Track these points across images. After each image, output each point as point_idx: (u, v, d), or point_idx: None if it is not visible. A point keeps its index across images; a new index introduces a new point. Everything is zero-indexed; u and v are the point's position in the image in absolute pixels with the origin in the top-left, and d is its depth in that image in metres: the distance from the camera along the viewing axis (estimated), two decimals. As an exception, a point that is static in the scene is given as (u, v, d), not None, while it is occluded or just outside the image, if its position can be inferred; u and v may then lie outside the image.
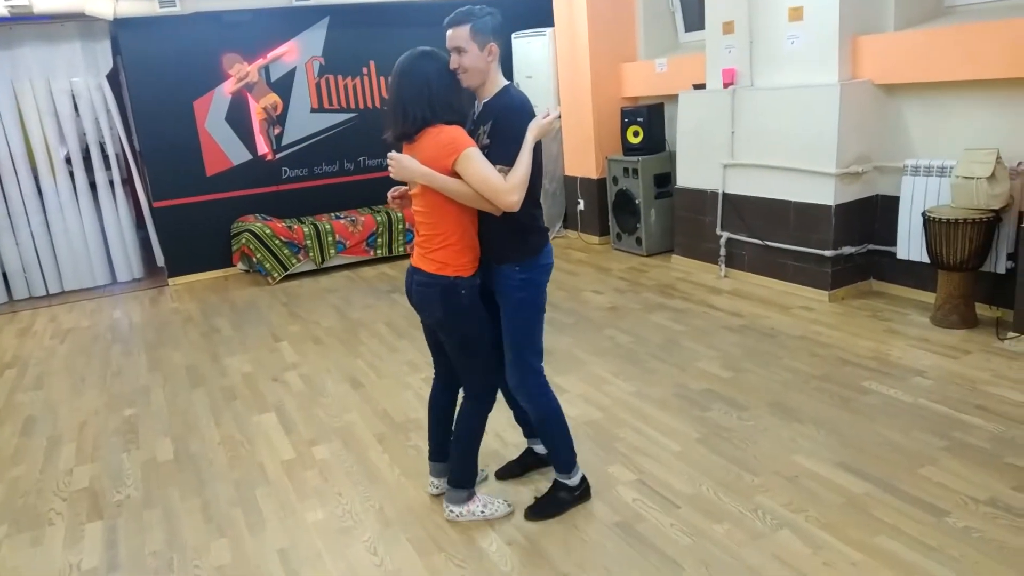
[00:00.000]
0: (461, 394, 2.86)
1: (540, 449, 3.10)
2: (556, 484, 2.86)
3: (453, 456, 2.83)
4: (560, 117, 2.64)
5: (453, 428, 2.85)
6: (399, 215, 7.03)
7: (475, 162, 2.43)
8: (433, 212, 2.55)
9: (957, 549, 2.43)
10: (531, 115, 2.53)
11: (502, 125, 2.51)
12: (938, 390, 3.54)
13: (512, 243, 2.61)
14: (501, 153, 2.48)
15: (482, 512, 2.83)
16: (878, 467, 2.93)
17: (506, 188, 2.43)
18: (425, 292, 2.62)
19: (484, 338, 2.68)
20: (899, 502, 2.70)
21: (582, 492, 2.87)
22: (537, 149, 2.57)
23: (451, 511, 2.83)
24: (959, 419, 3.25)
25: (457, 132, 2.48)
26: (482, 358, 2.71)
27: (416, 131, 2.49)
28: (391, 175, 2.55)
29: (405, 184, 2.69)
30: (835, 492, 2.80)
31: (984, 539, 2.47)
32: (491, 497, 2.88)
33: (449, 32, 2.51)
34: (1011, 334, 4.00)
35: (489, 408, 2.80)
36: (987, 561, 2.36)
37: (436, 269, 2.58)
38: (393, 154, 2.53)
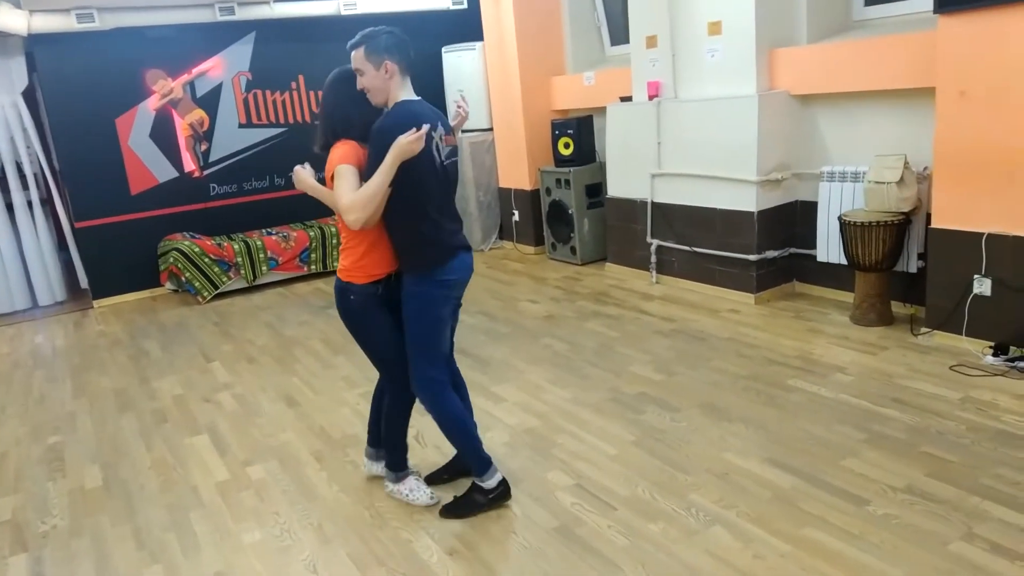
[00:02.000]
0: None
1: None
2: (472, 486, 2.95)
3: (384, 441, 3.05)
4: (435, 132, 2.72)
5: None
6: (333, 230, 6.97)
7: (338, 178, 2.57)
8: (340, 219, 2.70)
9: (878, 535, 2.55)
10: (393, 135, 2.51)
11: (369, 146, 2.61)
12: (858, 385, 3.70)
13: (407, 256, 2.75)
14: (368, 173, 2.56)
15: (407, 495, 3.02)
16: (803, 461, 3.06)
17: (343, 206, 2.54)
18: (335, 293, 2.87)
19: (380, 340, 2.86)
20: (823, 493, 2.82)
21: (498, 495, 2.92)
22: (423, 165, 2.60)
23: (386, 485, 3.09)
24: (877, 412, 3.41)
25: (343, 148, 2.64)
26: (383, 356, 2.90)
27: (323, 148, 2.72)
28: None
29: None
30: (763, 487, 2.90)
31: (902, 524, 2.60)
32: (420, 485, 3.04)
33: (351, 55, 2.66)
34: (924, 329, 4.22)
35: (405, 399, 2.95)
36: (905, 545, 2.49)
37: (339, 272, 2.82)
38: (296, 167, 2.76)
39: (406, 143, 2.49)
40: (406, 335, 2.81)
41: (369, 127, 2.62)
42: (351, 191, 2.53)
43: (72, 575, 2.77)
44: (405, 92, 2.69)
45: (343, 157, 2.60)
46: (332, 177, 2.61)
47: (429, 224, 2.68)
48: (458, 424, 2.87)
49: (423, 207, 2.66)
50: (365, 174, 2.57)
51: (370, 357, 2.94)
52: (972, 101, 3.77)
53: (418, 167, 2.58)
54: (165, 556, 2.84)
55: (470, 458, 2.91)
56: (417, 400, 2.92)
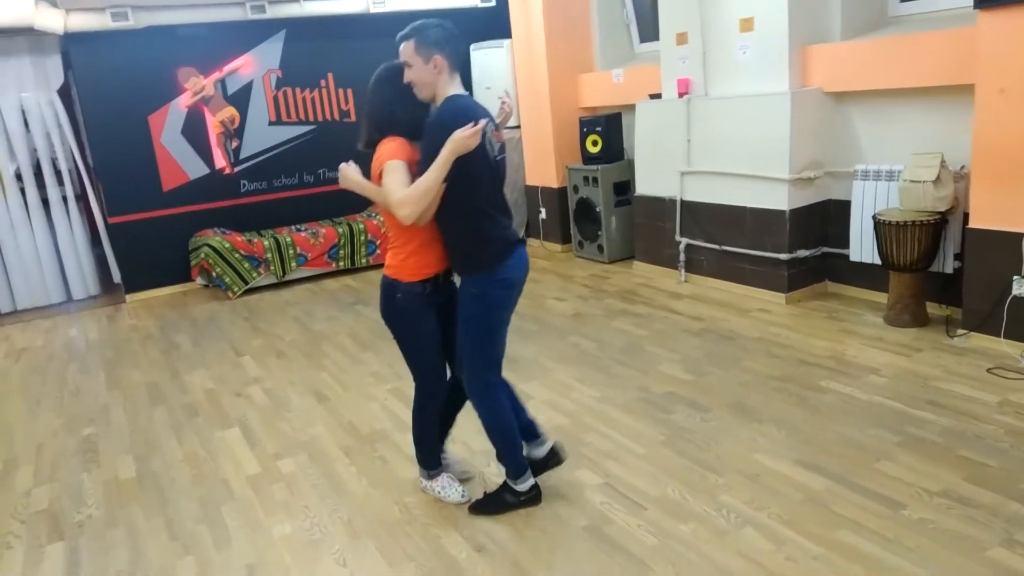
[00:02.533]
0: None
1: (537, 453, 3.00)
2: (504, 485, 2.92)
3: (415, 440, 3.04)
4: (493, 122, 2.68)
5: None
6: (361, 226, 7.01)
7: (389, 173, 2.53)
8: (388, 217, 2.68)
9: (913, 540, 2.51)
10: (449, 129, 2.46)
11: (423, 140, 2.56)
12: (892, 387, 3.65)
13: (462, 255, 2.69)
14: (422, 167, 2.51)
15: (438, 492, 3.03)
16: (836, 463, 3.01)
17: (395, 201, 2.49)
18: (380, 290, 2.80)
19: (419, 344, 2.82)
20: (857, 496, 2.78)
21: (529, 499, 2.90)
22: (478, 160, 2.55)
23: (420, 481, 3.10)
24: (912, 415, 3.35)
25: (391, 144, 2.59)
26: (418, 361, 2.86)
27: (367, 145, 2.67)
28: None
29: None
30: (795, 489, 2.87)
31: (939, 529, 2.55)
32: (452, 483, 3.03)
33: (400, 47, 2.59)
34: (960, 331, 4.14)
35: (432, 404, 2.94)
36: (942, 550, 2.44)
37: (385, 269, 2.77)
38: (341, 165, 2.70)
39: (462, 138, 2.44)
40: (464, 338, 2.74)
41: (415, 123, 2.59)
42: (403, 186, 2.49)
43: (107, 564, 2.81)
44: (454, 87, 2.63)
45: (392, 153, 2.56)
46: (379, 174, 2.56)
47: (487, 220, 2.64)
48: (505, 428, 2.83)
49: (480, 203, 2.62)
50: (419, 168, 2.53)
51: (407, 358, 2.87)
52: (1012, 98, 3.69)
53: (473, 162, 2.53)
54: (197, 548, 2.87)
55: (507, 461, 2.87)
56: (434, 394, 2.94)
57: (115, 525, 3.08)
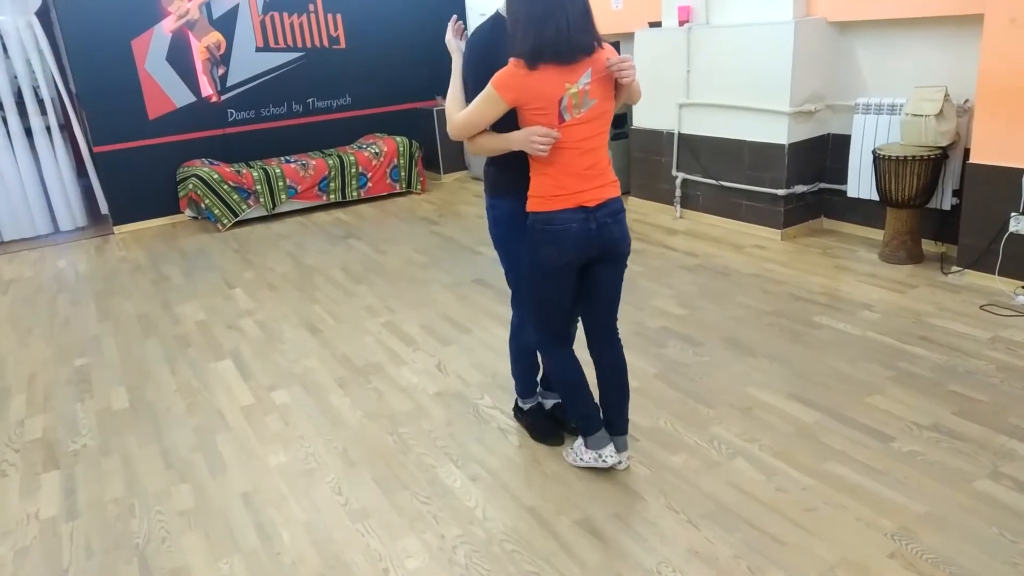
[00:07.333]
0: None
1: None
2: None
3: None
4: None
5: (618, 377, 2.67)
6: (352, 159, 6.87)
7: None
8: (606, 131, 2.38)
9: (902, 472, 2.54)
10: None
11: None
12: (885, 323, 3.65)
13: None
14: None
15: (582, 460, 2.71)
16: (828, 397, 3.04)
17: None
18: (623, 220, 2.44)
19: None
20: (848, 429, 2.81)
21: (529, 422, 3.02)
22: None
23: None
24: (905, 350, 3.37)
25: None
26: None
27: (591, 49, 2.37)
28: (630, 79, 2.35)
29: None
30: (787, 421, 2.89)
31: (927, 461, 2.59)
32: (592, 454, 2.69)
33: None
34: (955, 268, 4.14)
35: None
36: (930, 482, 2.48)
37: (617, 190, 2.43)
38: (628, 56, 2.37)
39: None
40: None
41: None
42: None
43: (103, 492, 2.83)
44: None
45: None
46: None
47: None
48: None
49: None
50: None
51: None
52: (1023, 29, 3.60)
53: None
54: (193, 476, 2.89)
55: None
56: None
57: (110, 454, 3.09)
